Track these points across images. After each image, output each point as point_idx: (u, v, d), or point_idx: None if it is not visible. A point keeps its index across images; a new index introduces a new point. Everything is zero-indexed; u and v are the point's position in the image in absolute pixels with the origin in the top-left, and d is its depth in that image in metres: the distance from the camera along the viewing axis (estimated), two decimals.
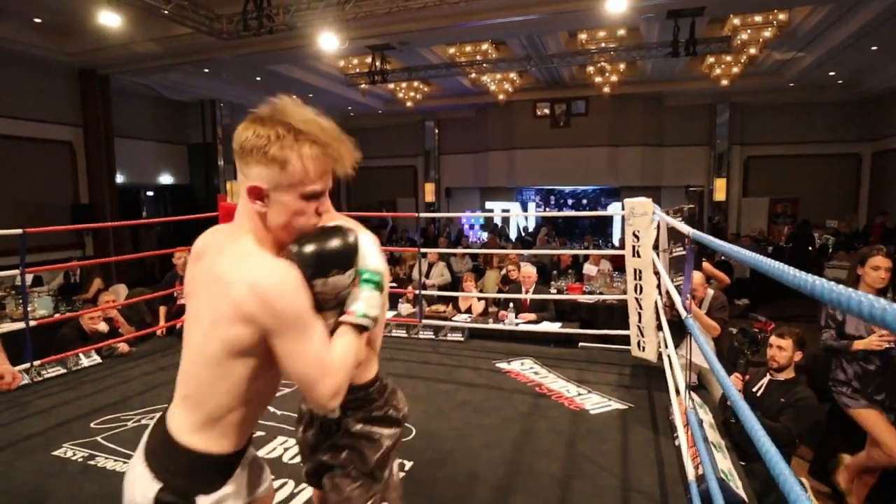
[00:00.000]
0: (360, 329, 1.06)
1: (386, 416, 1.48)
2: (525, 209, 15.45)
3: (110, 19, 6.41)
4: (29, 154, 8.75)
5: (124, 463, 2.71)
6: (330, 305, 1.07)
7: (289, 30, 7.45)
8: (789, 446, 2.71)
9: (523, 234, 14.56)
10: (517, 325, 4.74)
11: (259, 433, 3.04)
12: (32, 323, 3.91)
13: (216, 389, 1.02)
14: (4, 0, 6.99)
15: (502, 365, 4.15)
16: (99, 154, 9.59)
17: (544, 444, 2.87)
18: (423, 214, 5.93)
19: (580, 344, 4.62)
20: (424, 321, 4.96)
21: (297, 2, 7.13)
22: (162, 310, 5.24)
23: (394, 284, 6.96)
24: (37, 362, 3.84)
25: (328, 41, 7.32)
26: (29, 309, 4.14)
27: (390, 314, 5.37)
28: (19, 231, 3.75)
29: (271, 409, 3.37)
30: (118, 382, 3.91)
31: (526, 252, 7.69)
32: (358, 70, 10.74)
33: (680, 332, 3.68)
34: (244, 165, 1.01)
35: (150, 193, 12.11)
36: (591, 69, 10.71)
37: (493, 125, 14.71)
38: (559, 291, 5.85)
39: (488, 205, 15.82)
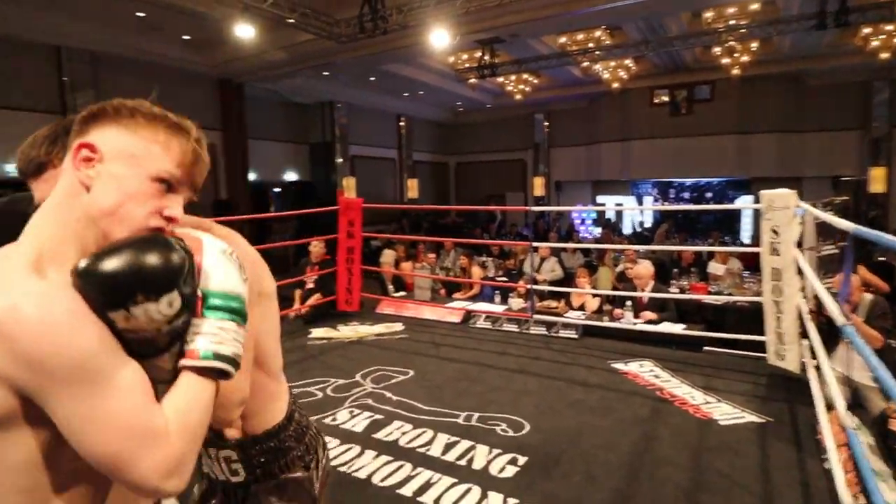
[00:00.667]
0: (210, 374, 0.75)
1: (306, 467, 1.12)
2: (640, 203, 14.66)
3: (245, 31, 7.00)
4: None
5: None
6: (161, 345, 0.74)
7: (402, 29, 7.68)
8: None
9: (638, 229, 13.84)
10: (635, 324, 4.49)
11: (378, 416, 3.17)
12: None
13: None
14: (160, 22, 7.92)
15: (619, 365, 3.96)
16: (235, 155, 10.61)
17: (667, 452, 2.69)
18: (534, 208, 5.80)
19: (705, 348, 4.27)
20: (536, 316, 4.86)
21: (410, 1, 7.32)
22: (297, 293, 5.64)
23: (504, 279, 6.92)
24: None
25: (439, 38, 7.42)
26: None
27: (500, 308, 5.35)
28: None
29: (388, 394, 3.49)
30: None
31: (643, 248, 7.28)
32: (467, 65, 10.82)
33: (830, 341, 3.26)
34: (85, 126, 0.76)
35: (277, 189, 13.13)
36: (717, 50, 9.84)
37: (607, 115, 14.10)
38: (681, 291, 5.46)
39: (600, 199, 15.22)
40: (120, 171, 0.74)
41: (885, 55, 8.79)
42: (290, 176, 12.98)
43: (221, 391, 0.79)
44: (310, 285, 5.59)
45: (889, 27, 8.34)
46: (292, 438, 1.10)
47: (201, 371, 0.74)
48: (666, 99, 13.32)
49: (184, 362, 0.74)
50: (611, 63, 10.78)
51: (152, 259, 0.70)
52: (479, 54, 10.14)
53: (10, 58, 7.70)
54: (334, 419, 3.15)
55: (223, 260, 0.80)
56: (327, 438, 2.84)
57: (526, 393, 3.51)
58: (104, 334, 0.67)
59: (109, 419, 0.65)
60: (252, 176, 11.34)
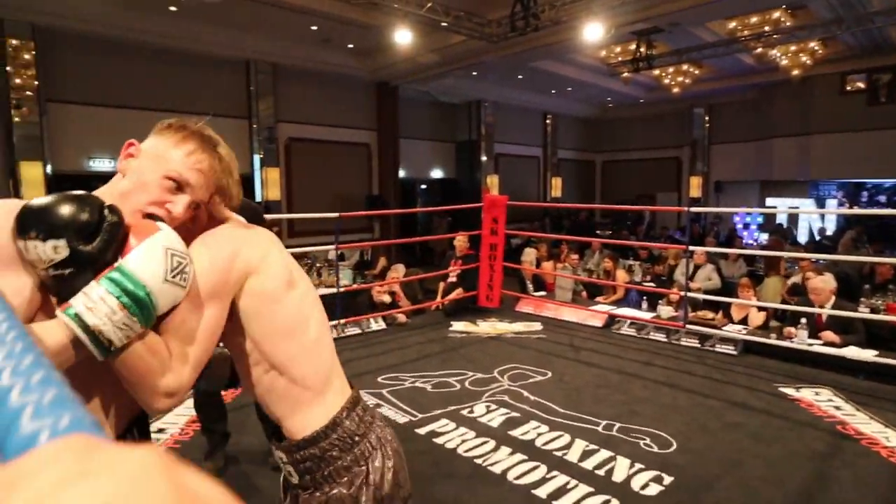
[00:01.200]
0: (73, 329, 0.75)
1: (351, 482, 1.02)
2: (821, 206, 12.79)
3: (404, 37, 7.42)
4: (341, 155, 10.85)
5: (403, 415, 3.14)
6: (52, 290, 0.80)
7: (553, 25, 7.56)
8: None
9: (818, 236, 12.10)
10: (810, 345, 3.94)
11: (514, 414, 3.17)
12: (340, 290, 4.85)
13: None
14: (330, 34, 8.71)
15: (788, 391, 3.50)
16: (388, 153, 11.33)
17: (849, 497, 2.32)
18: (692, 209, 5.30)
19: None
20: (689, 327, 4.50)
21: None
22: (441, 285, 5.88)
23: (651, 284, 6.51)
24: (342, 321, 4.73)
25: (593, 31, 7.18)
26: (338, 278, 5.13)
27: (647, 315, 5.03)
28: (336, 215, 4.71)
29: (525, 392, 3.48)
30: (398, 347, 4.54)
31: (824, 258, 6.34)
32: (620, 59, 10.32)
33: None
34: (151, 134, 0.97)
35: (424, 186, 13.75)
36: None
37: (782, 107, 12.49)
38: (873, 311, 4.66)
39: (769, 201, 13.54)
40: (143, 166, 0.91)
41: None
42: (437, 173, 13.50)
43: (131, 370, 0.81)
44: (452, 279, 5.78)
45: None
46: (336, 448, 1.01)
47: (65, 323, 0.75)
48: (862, 85, 11.42)
49: (57, 310, 0.77)
50: (791, 47, 9.53)
51: (59, 207, 0.76)
52: (633, 46, 9.61)
53: (209, 72, 9.00)
54: (471, 412, 3.22)
55: (156, 252, 0.81)
56: (463, 429, 2.93)
57: (674, 408, 3.27)
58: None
59: None
60: (402, 173, 12.01)
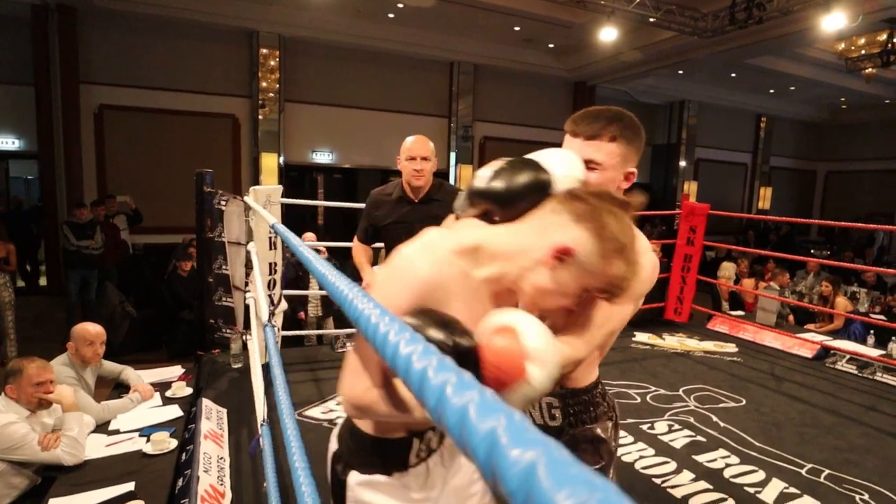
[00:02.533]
0: None
1: (611, 420, 1.31)
2: None
3: (609, 34, 7.32)
4: (523, 153, 11.06)
5: None
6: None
7: (782, 16, 6.79)
8: None
9: None
10: None
11: (700, 438, 3.04)
12: None
13: None
14: (531, 33, 8.93)
15: None
16: None
17: None
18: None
19: None
20: None
21: None
22: None
23: (881, 317, 5.56)
24: None
25: (834, 21, 6.28)
26: None
27: (874, 352, 4.35)
28: None
29: (714, 417, 3.30)
30: None
31: None
32: (864, 51, 8.81)
33: None
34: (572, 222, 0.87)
35: None
36: None
37: None
38: None
39: None
40: (570, 277, 0.89)
41: None
42: None
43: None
44: None
45: None
46: (600, 396, 1.29)
47: None
48: None
49: None
50: None
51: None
52: (884, 37, 8.13)
53: (416, 73, 9.84)
54: (652, 427, 3.14)
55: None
56: (642, 444, 2.90)
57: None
58: None
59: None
60: None
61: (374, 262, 2.87)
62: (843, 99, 12.43)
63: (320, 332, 4.71)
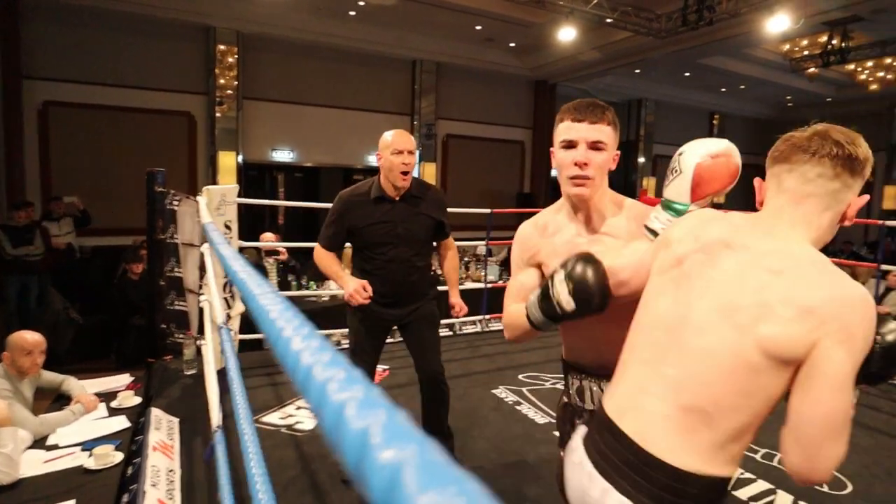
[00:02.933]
0: None
1: None
2: None
3: (568, 34, 7.41)
4: (495, 152, 11.13)
5: (542, 416, 3.17)
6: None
7: (730, 17, 7.01)
8: None
9: None
10: None
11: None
12: (488, 285, 5.04)
13: (745, 404, 0.86)
14: (493, 32, 8.97)
15: None
16: (541, 152, 11.37)
17: None
18: (888, 223, 4.42)
19: None
20: None
21: None
22: None
23: None
24: (487, 316, 4.92)
25: (779, 23, 6.53)
26: (484, 273, 5.33)
27: None
28: (488, 211, 4.90)
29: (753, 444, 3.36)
30: (541, 346, 4.53)
31: None
32: (807, 52, 9.19)
33: None
34: (852, 178, 0.90)
35: None
36: None
37: None
38: None
39: None
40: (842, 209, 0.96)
41: None
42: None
43: None
44: None
45: None
46: None
47: None
48: None
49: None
50: None
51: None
52: (824, 38, 8.50)
53: (378, 71, 9.73)
54: None
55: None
56: None
57: (853, 448, 2.93)
58: None
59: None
60: (553, 172, 11.98)
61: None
62: (788, 97, 12.95)
63: None
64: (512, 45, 9.68)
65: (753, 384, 0.84)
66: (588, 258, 1.05)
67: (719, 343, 0.86)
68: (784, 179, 0.93)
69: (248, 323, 4.35)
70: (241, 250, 4.07)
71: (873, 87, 10.01)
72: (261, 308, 0.40)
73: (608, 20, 7.53)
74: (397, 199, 2.33)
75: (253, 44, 8.56)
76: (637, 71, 10.40)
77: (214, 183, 7.92)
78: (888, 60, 9.37)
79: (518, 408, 3.28)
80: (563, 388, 1.40)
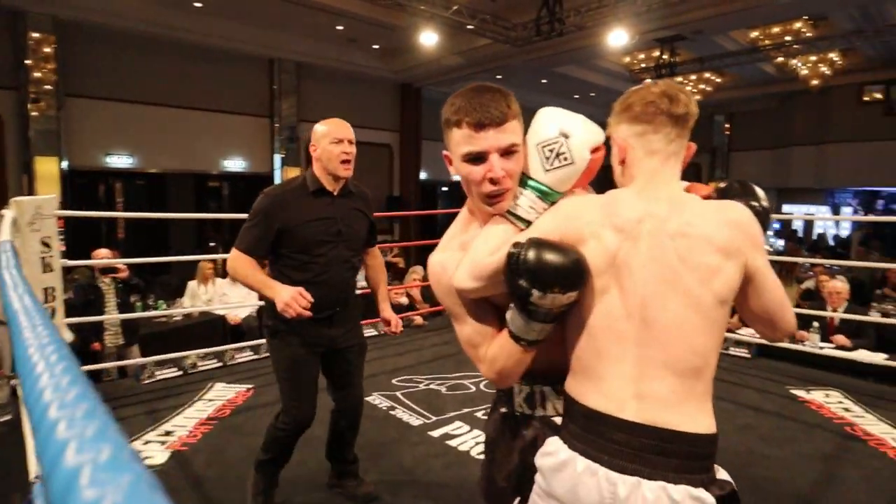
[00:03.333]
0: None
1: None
2: (836, 214, 12.81)
3: (429, 38, 7.59)
4: (362, 156, 10.94)
5: (417, 418, 3.16)
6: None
7: (578, 30, 7.69)
8: None
9: (832, 242, 12.13)
10: (822, 348, 4.06)
11: None
12: (358, 292, 4.92)
13: (716, 345, 0.98)
14: (356, 34, 8.91)
15: (800, 392, 3.62)
16: (410, 155, 11.52)
17: (857, 497, 2.40)
18: None
19: None
20: None
21: (589, 2, 7.30)
22: None
23: None
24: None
25: (617, 37, 7.30)
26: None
27: None
28: None
29: None
30: (413, 349, 4.55)
31: (838, 263, 6.43)
32: (643, 65, 10.41)
33: None
34: (689, 130, 1.05)
35: (445, 188, 13.89)
36: None
37: (801, 116, 12.54)
38: (884, 315, 4.75)
39: (786, 208, 13.60)
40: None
41: None
42: (458, 176, 13.64)
43: None
44: None
45: None
46: None
47: None
48: (879, 96, 11.45)
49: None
50: (811, 58, 9.58)
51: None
52: (657, 53, 9.71)
53: (231, 69, 9.12)
54: (485, 414, 3.32)
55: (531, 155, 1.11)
56: (477, 432, 3.04)
57: None
58: None
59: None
60: (423, 175, 12.17)
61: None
62: None
63: (122, 363, 4.05)
64: (375, 46, 9.69)
65: (717, 325, 0.95)
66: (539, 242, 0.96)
67: (683, 310, 0.93)
68: (651, 141, 1.02)
69: (82, 353, 3.86)
70: (69, 270, 3.58)
71: (697, 97, 11.48)
72: (21, 343, 0.36)
73: (468, 27, 7.85)
74: (336, 193, 2.12)
75: (76, 33, 7.48)
76: (498, 77, 10.97)
77: (32, 193, 6.86)
78: (707, 75, 10.94)
79: (392, 412, 3.24)
80: (494, 401, 1.27)
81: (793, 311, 1.04)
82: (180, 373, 3.74)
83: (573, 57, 9.45)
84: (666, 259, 0.94)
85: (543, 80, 11.45)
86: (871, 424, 3.14)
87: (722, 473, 0.99)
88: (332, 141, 2.06)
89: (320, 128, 2.11)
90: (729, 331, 4.63)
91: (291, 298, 1.81)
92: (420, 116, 11.52)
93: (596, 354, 0.97)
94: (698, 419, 0.94)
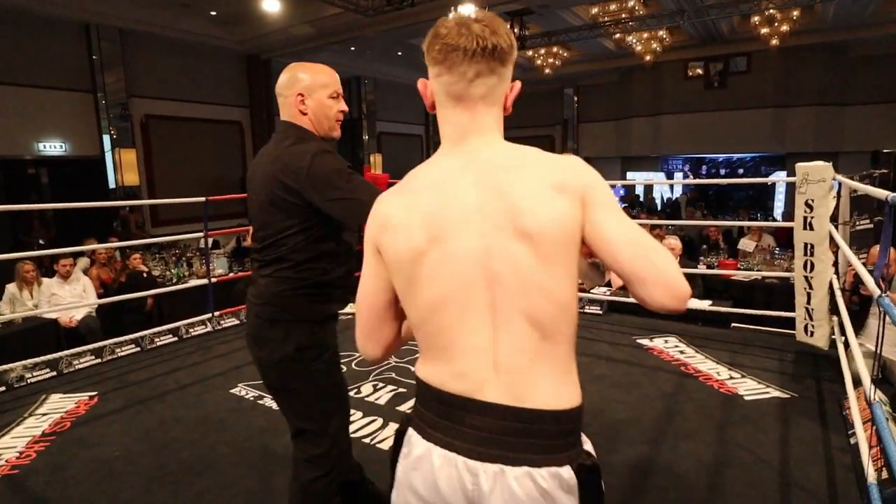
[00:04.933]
0: None
1: None
2: (670, 179, 14.39)
3: (271, 5, 7.03)
4: (209, 134, 10.05)
5: None
6: None
7: (429, 1, 7.58)
8: None
9: (663, 205, 13.62)
10: None
11: (401, 389, 3.23)
12: (213, 280, 4.55)
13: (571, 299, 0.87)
14: None
15: (644, 341, 3.94)
16: (263, 132, 10.73)
17: (690, 426, 2.68)
18: None
19: (733, 324, 4.22)
20: None
21: None
22: None
23: None
24: (217, 313, 4.45)
25: (467, 10, 7.30)
26: (210, 268, 4.79)
27: None
28: (203, 199, 4.36)
29: (411, 367, 3.57)
30: None
31: (672, 223, 7.16)
32: None
33: (859, 317, 3.19)
34: (504, 67, 0.89)
35: None
36: (756, 19, 9.45)
37: (638, 89, 13.75)
38: (709, 267, 5.37)
39: (629, 175, 14.97)
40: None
41: None
42: None
43: None
44: None
45: None
46: None
47: None
48: (700, 72, 12.90)
49: None
50: (644, 34, 10.46)
51: None
52: (507, 27, 9.97)
53: (38, 35, 7.82)
54: (358, 392, 3.21)
55: None
56: (352, 411, 2.88)
57: (588, 377, 3.53)
58: None
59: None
60: None
61: None
62: None
63: None
64: (213, 13, 8.79)
65: (564, 267, 0.83)
66: None
67: (525, 258, 0.82)
68: (448, 84, 0.89)
69: None
70: None
71: (547, 71, 12.16)
72: None
73: None
74: None
75: None
76: (353, 48, 10.58)
77: None
78: (555, 49, 11.47)
79: (260, 402, 3.10)
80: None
81: (674, 270, 0.80)
82: (2, 388, 3.33)
83: (427, 29, 9.22)
84: (491, 221, 0.83)
85: (399, 53, 11.28)
86: (700, 363, 3.50)
87: (587, 445, 0.92)
88: (331, 95, 1.63)
89: (312, 76, 1.62)
90: (582, 290, 4.92)
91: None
92: (272, 90, 10.72)
93: (443, 331, 0.86)
94: (562, 392, 0.86)
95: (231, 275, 5.70)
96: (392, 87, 13.55)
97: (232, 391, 3.27)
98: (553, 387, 0.85)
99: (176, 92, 9.43)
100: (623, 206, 13.68)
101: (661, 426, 2.71)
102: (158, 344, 4.07)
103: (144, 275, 5.46)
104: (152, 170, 9.16)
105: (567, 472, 0.83)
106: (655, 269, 0.79)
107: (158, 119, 9.25)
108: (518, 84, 0.93)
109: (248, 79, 10.54)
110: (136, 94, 8.84)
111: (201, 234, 4.56)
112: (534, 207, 0.82)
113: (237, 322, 4.61)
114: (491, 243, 0.83)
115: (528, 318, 0.83)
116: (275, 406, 2.99)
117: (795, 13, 9.23)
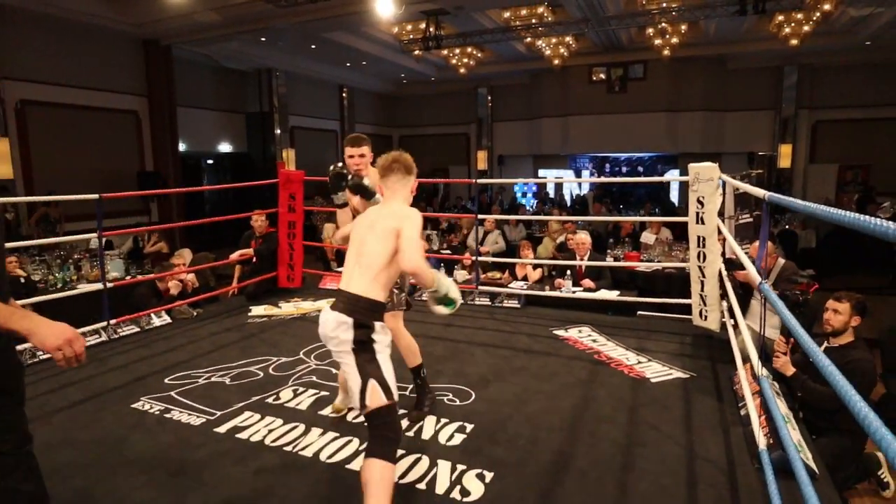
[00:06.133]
0: None
1: None
2: (578, 177, 15.14)
3: None
4: (100, 123, 9.18)
5: (198, 416, 2.83)
6: None
7: None
8: (837, 412, 2.60)
9: (571, 201, 14.35)
10: (574, 292, 4.68)
11: (323, 393, 3.15)
12: (109, 284, 4.14)
13: (386, 260, 1.92)
14: None
15: (560, 332, 4.12)
16: (163, 123, 9.98)
17: (605, 411, 2.85)
18: (480, 181, 5.81)
19: (639, 312, 4.53)
20: (481, 288, 4.96)
21: None
22: (237, 269, 5.46)
23: (448, 252, 6.98)
24: (113, 321, 4.06)
25: (384, 6, 7.24)
26: (105, 271, 4.38)
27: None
28: (96, 196, 3.97)
29: (334, 370, 3.48)
30: (188, 342, 4.07)
31: (581, 219, 7.54)
32: (412, 37, 10.62)
33: (744, 301, 3.54)
34: (409, 174, 2.15)
35: (210, 161, 12.52)
36: (650, 31, 10.19)
37: (548, 91, 14.32)
38: (616, 260, 5.72)
39: (541, 173, 15.59)
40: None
41: (794, 42, 9.40)
42: (225, 147, 12.39)
43: None
44: (253, 260, 5.44)
45: (799, 15, 8.93)
46: None
47: None
48: (603, 77, 13.67)
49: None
50: (552, 40, 10.90)
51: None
52: (423, 26, 9.97)
53: None
54: (277, 398, 3.06)
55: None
56: (269, 419, 2.80)
57: (472, 363, 3.59)
58: None
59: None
60: (182, 146, 10.74)
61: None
62: (403, 75, 14.85)
63: None
64: None
65: (386, 245, 1.90)
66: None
67: (378, 243, 1.93)
68: (387, 183, 2.11)
69: None
70: None
71: (462, 70, 12.31)
72: None
73: None
74: None
75: None
76: (263, 39, 10.12)
77: None
78: (470, 49, 11.63)
79: (167, 416, 2.85)
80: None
81: (414, 257, 1.82)
82: None
83: (341, 23, 9.17)
84: (377, 224, 1.97)
85: (313, 46, 10.96)
86: (611, 350, 3.72)
87: (377, 325, 1.91)
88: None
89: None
90: (500, 285, 5.05)
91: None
92: (172, 79, 10.01)
93: (347, 260, 2.02)
94: (369, 290, 1.89)
95: (129, 278, 5.27)
96: (306, 80, 13.11)
97: (134, 406, 2.97)
98: (362, 286, 1.89)
99: (58, 76, 8.50)
100: (535, 202, 14.20)
101: (579, 412, 2.85)
102: (42, 358, 3.55)
103: (22, 280, 4.89)
104: (30, 160, 8.23)
105: (349, 318, 1.85)
106: (404, 255, 1.86)
107: (37, 105, 8.30)
108: (415, 182, 2.22)
109: (146, 65, 9.75)
110: (9, 77, 7.89)
111: (94, 235, 4.17)
112: (382, 226, 1.96)
113: (137, 329, 4.26)
114: (364, 234, 1.99)
115: (364, 263, 1.93)
116: (184, 419, 2.84)
117: (683, 27, 10.05)
